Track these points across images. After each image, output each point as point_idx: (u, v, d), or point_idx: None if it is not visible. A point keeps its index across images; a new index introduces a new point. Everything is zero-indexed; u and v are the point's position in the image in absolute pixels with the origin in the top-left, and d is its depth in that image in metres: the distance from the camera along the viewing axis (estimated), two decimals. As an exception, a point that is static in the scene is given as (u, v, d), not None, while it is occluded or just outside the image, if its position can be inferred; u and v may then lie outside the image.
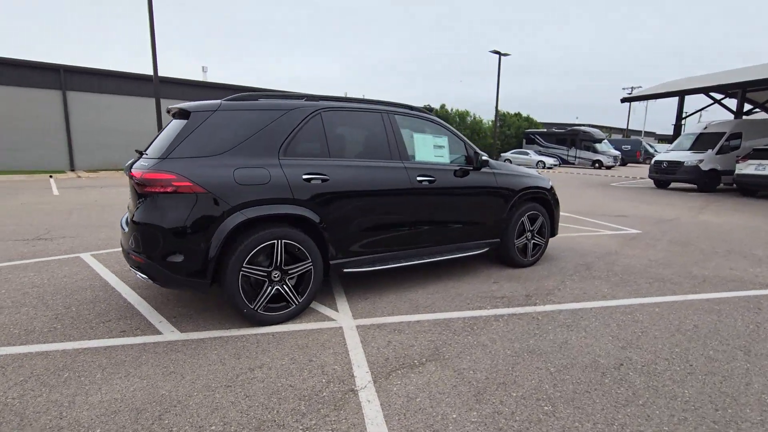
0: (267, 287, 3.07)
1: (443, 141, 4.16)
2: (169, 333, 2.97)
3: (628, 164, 34.65)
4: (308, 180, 3.19)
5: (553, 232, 5.07)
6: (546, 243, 4.90)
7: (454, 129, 4.33)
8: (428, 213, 3.89)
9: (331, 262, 3.39)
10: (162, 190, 2.76)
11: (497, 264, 4.78)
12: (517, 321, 3.27)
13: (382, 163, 3.64)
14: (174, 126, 3.13)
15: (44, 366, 2.51)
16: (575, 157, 30.87)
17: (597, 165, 29.43)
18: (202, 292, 3.04)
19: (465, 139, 4.32)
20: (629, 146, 35.86)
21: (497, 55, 24.07)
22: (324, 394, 2.28)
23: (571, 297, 3.82)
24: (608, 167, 29.27)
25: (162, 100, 15.97)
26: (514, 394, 2.30)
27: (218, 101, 3.14)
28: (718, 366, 2.63)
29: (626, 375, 2.51)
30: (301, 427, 2.00)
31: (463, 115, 30.77)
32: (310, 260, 3.21)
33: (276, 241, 3.04)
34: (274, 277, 3.10)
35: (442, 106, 30.04)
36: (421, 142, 3.99)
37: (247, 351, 2.73)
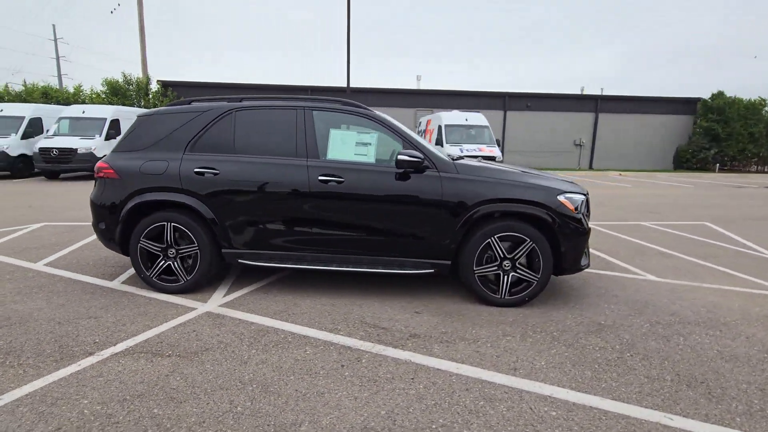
0: (160, 260, 3.67)
1: (371, 138, 3.64)
2: (116, 282, 3.99)
3: None
4: (200, 173, 3.57)
5: (565, 268, 3.54)
6: (542, 280, 3.47)
7: (395, 124, 3.69)
8: (336, 216, 3.55)
9: (223, 251, 3.67)
10: (98, 174, 3.77)
11: (462, 293, 3.76)
12: (333, 355, 2.69)
13: (281, 161, 3.58)
14: None
15: (40, 283, 3.93)
16: None
17: None
18: (122, 254, 3.89)
19: (410, 136, 3.63)
20: None
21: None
22: (69, 348, 2.70)
23: (465, 355, 2.73)
24: None
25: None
26: (127, 415, 2.09)
27: (158, 108, 3.92)
28: None
29: (284, 453, 1.82)
30: (10, 363, 2.53)
31: (753, 106, 21.73)
32: (196, 245, 3.60)
33: (165, 224, 3.60)
34: (170, 254, 3.66)
35: (720, 94, 22.13)
36: (338, 138, 3.65)
37: (116, 306, 3.41)
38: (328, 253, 3.63)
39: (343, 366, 2.57)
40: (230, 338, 2.89)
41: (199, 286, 3.73)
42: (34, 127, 13.71)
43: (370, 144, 3.63)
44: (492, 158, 13.06)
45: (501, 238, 3.45)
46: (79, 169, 12.88)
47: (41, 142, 12.80)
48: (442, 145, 13.72)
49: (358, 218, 3.54)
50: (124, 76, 17.79)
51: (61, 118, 13.59)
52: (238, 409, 2.13)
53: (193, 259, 3.66)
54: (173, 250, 3.65)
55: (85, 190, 10.23)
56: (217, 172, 3.57)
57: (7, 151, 12.75)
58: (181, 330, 3.00)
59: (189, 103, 3.90)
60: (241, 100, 3.86)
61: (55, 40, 39.62)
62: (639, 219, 7.96)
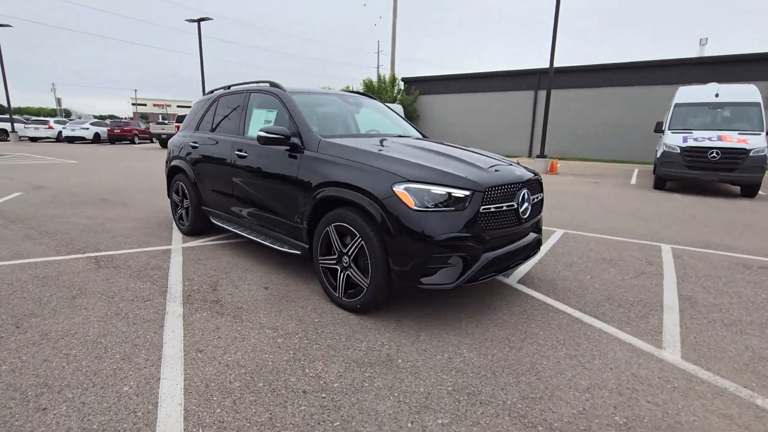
0: (179, 209, 5.06)
1: (272, 116, 3.71)
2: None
3: None
4: (193, 146, 4.68)
5: (395, 280, 2.69)
6: (372, 288, 2.78)
7: (291, 101, 3.58)
8: (244, 189, 3.92)
9: (202, 207, 4.69)
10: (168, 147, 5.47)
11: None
12: (136, 293, 3.26)
13: (223, 137, 4.21)
14: None
15: (161, 218, 6.10)
16: None
17: None
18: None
19: (296, 114, 3.51)
20: None
21: None
22: (81, 249, 4.34)
23: (197, 328, 2.74)
24: None
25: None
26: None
27: (198, 98, 5.22)
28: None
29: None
30: (49, 245, 4.35)
31: None
32: (188, 200, 4.78)
33: (179, 183, 4.93)
34: (184, 204, 5.00)
35: None
36: (256, 117, 3.91)
37: (151, 236, 5.02)
38: (246, 220, 4.06)
39: (121, 305, 3.12)
40: (137, 265, 3.91)
41: (196, 232, 4.93)
42: None
43: (270, 122, 3.78)
44: (743, 151, 8.75)
45: (338, 229, 2.98)
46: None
47: None
48: (663, 132, 10.20)
49: (254, 191, 3.81)
50: (379, 76, 21.69)
51: None
52: (13, 295, 3.11)
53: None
54: (185, 202, 4.98)
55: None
56: (197, 146, 4.60)
57: None
58: (135, 255, 4.25)
59: (212, 92, 5.07)
60: (229, 87, 4.70)
61: (378, 53, 51.15)
62: None
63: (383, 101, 20.84)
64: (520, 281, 3.75)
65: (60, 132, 26.48)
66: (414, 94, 21.57)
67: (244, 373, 2.26)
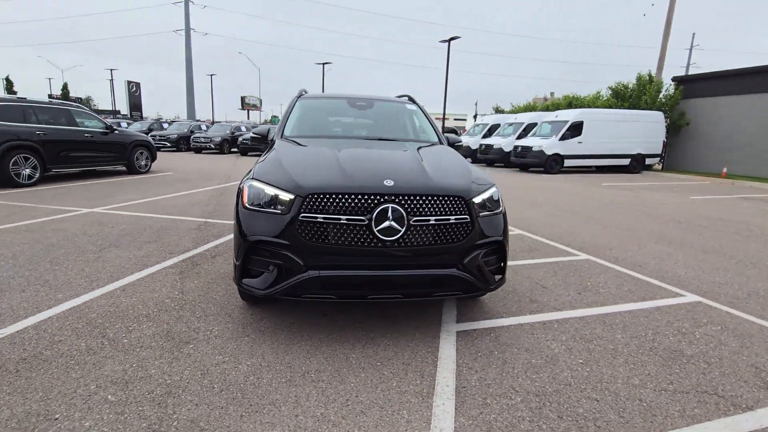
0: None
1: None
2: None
3: None
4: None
5: (234, 270, 2.68)
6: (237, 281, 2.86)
7: (293, 104, 4.07)
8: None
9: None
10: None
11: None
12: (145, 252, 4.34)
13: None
14: None
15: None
16: None
17: None
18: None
19: (285, 115, 3.90)
20: None
21: None
22: (190, 213, 6.00)
23: (150, 287, 3.51)
24: None
25: None
26: (143, 232, 5.04)
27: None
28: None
29: None
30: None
31: None
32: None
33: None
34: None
35: None
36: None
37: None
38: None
39: (149, 251, 4.24)
40: (212, 231, 5.12)
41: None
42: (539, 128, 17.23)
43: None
44: None
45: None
46: (532, 164, 15.47)
47: (516, 141, 16.52)
48: None
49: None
50: (639, 78, 17.84)
51: (543, 122, 16.59)
52: (118, 235, 4.64)
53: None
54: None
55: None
56: (278, 143, 5.53)
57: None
58: (223, 224, 5.54)
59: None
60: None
61: (692, 48, 42.48)
62: None
63: (640, 107, 16.77)
64: (463, 331, 2.83)
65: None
66: (672, 96, 16.40)
67: (106, 312, 2.87)
